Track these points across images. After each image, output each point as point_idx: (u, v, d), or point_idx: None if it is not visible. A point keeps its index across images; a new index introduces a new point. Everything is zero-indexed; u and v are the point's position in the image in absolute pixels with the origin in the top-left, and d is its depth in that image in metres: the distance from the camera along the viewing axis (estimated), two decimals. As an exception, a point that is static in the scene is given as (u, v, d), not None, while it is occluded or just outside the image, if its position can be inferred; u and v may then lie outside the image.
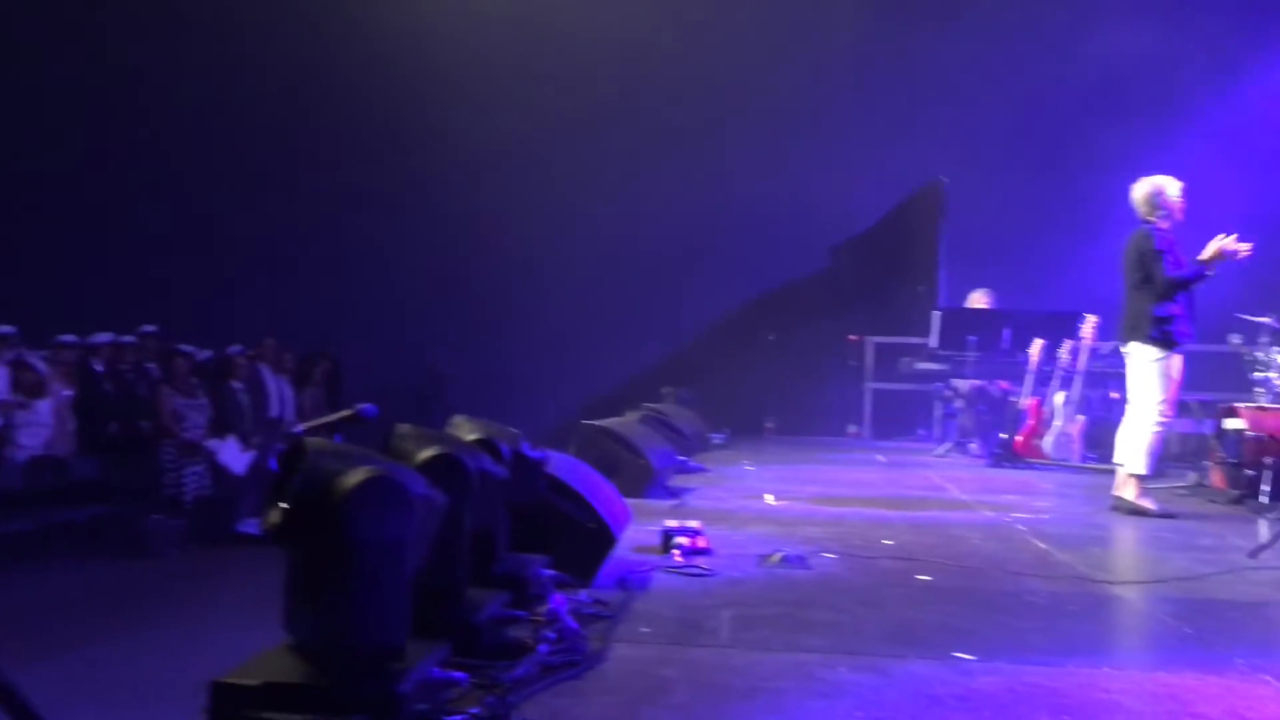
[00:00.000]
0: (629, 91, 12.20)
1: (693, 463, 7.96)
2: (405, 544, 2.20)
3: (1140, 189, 6.33)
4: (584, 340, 12.47)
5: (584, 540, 3.76)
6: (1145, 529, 5.61)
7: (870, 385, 11.64)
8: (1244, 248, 5.85)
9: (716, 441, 10.25)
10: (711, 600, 3.68)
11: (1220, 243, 5.87)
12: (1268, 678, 2.84)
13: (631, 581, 3.91)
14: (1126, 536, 5.41)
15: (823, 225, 12.81)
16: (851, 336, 12.04)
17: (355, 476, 2.13)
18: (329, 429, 2.51)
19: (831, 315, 12.85)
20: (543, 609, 3.10)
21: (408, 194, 12.68)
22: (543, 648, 2.83)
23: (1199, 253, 6.03)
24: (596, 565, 3.79)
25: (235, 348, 9.96)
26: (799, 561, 4.36)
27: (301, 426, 2.54)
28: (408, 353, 12.68)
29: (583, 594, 3.62)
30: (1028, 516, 5.87)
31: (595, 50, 11.92)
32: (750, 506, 6.07)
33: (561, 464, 3.97)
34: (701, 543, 4.51)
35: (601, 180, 12.13)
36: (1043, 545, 4.94)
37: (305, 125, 12.57)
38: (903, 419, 11.78)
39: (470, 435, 3.30)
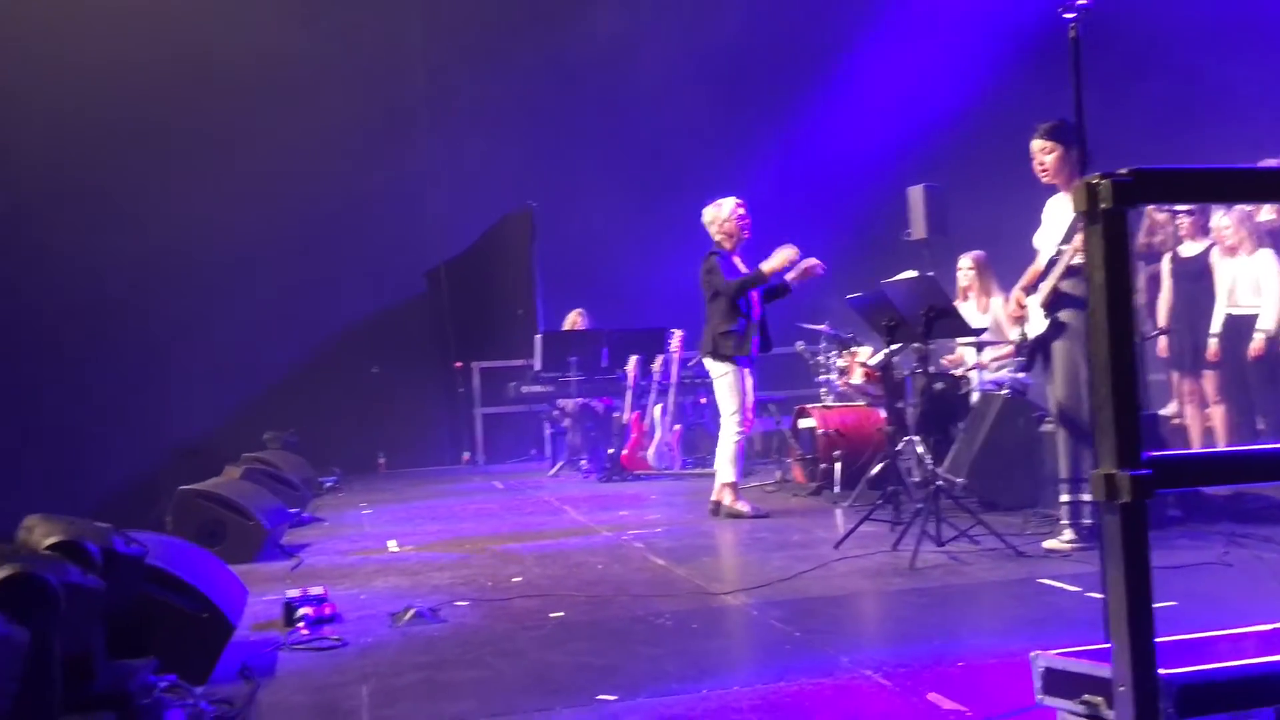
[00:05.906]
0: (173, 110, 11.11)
1: (306, 514, 7.56)
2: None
3: (708, 212, 6.86)
4: (161, 388, 11.28)
5: (196, 633, 3.42)
6: (744, 531, 6.08)
7: (480, 410, 11.70)
8: (815, 264, 6.49)
9: (328, 485, 9.82)
10: (345, 676, 3.49)
11: (788, 254, 6.45)
12: (868, 672, 3.16)
13: (254, 668, 3.62)
14: (730, 541, 5.83)
15: (414, 252, 12.65)
16: (458, 363, 12.03)
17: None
18: None
19: (433, 342, 12.79)
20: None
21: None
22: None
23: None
24: (213, 659, 3.46)
25: None
26: (431, 615, 4.27)
27: None
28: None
29: (198, 692, 3.31)
30: (642, 533, 6.16)
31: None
32: (374, 558, 5.86)
33: (161, 548, 3.58)
34: (328, 610, 4.29)
35: (161, 206, 11.02)
36: (661, 562, 5.20)
37: None
38: (514, 441, 11.95)
39: (48, 539, 2.89)
